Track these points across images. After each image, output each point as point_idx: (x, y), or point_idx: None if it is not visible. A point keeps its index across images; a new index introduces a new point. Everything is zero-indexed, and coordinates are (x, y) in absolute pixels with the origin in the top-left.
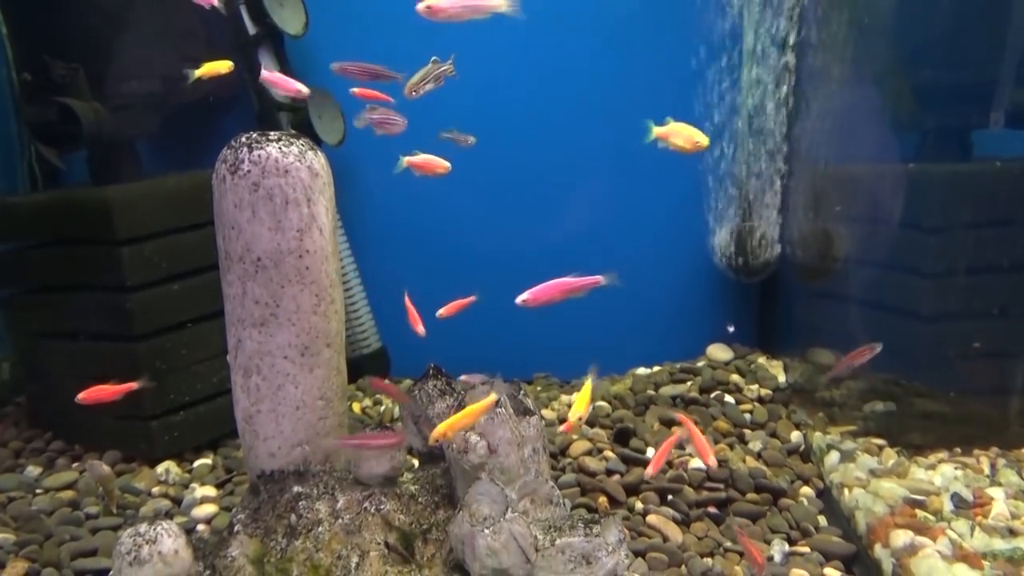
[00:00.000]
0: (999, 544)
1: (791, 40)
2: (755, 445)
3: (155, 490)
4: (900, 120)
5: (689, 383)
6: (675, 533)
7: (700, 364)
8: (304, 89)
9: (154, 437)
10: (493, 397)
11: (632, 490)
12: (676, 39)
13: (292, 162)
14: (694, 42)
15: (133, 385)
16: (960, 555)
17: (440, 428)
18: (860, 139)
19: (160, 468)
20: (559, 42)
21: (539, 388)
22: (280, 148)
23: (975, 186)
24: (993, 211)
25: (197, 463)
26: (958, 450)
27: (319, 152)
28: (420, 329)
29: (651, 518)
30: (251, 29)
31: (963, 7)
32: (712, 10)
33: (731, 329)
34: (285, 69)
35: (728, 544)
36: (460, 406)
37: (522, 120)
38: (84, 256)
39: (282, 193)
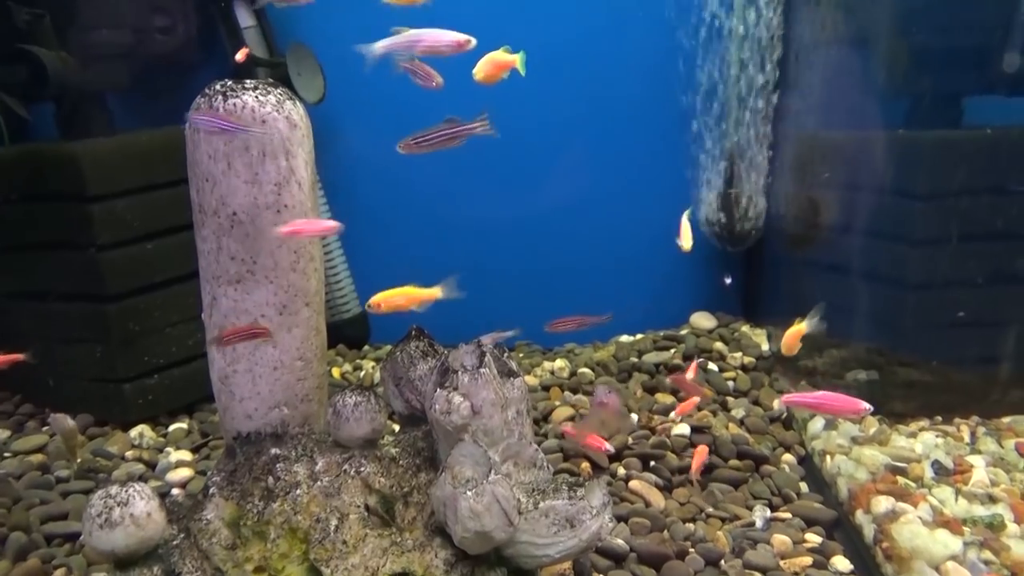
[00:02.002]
0: (979, 510)
1: (780, 5)
2: (738, 412)
3: (128, 454)
4: (889, 86)
5: (672, 351)
6: (657, 499)
7: (684, 332)
8: None
9: (127, 400)
10: (437, 291)
11: (614, 456)
12: (663, 7)
13: (269, 112)
14: (681, 9)
15: (18, 357)
16: (941, 521)
17: (377, 297)
18: (848, 105)
19: (134, 432)
20: (545, 11)
21: (521, 355)
22: (257, 97)
23: (964, 154)
24: (982, 179)
25: (172, 427)
26: (939, 418)
27: (298, 103)
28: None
29: (633, 484)
30: None
31: None
32: None
33: (728, 281)
34: (262, 23)
35: (710, 510)
36: (443, 367)
37: (507, 86)
38: (53, 213)
39: (259, 144)
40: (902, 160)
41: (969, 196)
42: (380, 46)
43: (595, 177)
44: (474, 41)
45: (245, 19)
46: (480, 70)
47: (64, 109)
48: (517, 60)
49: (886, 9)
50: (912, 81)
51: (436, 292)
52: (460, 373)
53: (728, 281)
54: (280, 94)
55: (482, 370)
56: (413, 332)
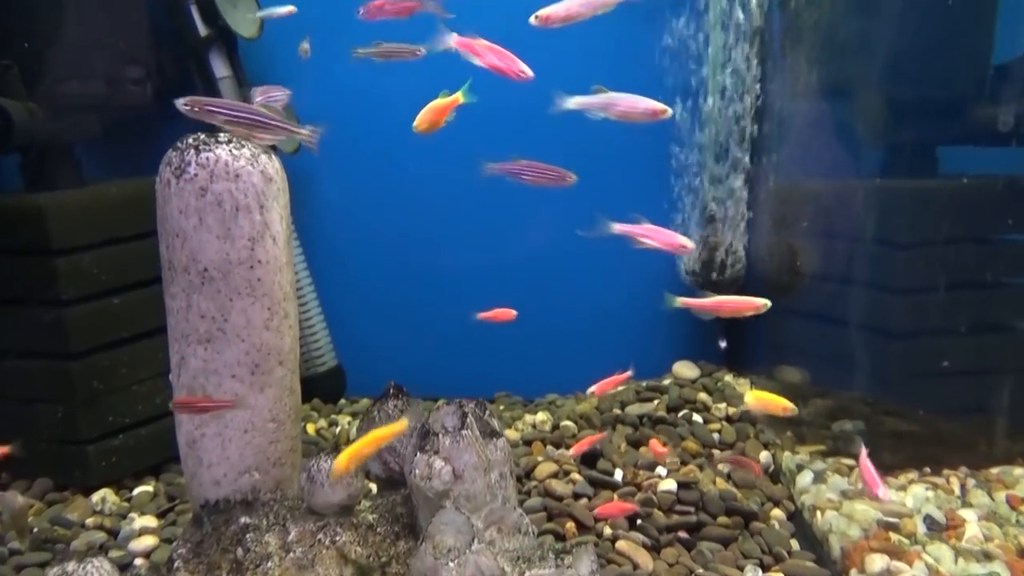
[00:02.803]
0: (975, 568)
1: (757, 55)
2: (724, 466)
3: (89, 521)
4: (867, 136)
5: (656, 401)
6: (645, 560)
7: (666, 382)
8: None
9: (90, 463)
10: (404, 423)
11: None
12: (643, 60)
13: (243, 166)
14: (662, 52)
15: (4, 450)
16: None
17: (342, 459)
18: (827, 155)
19: (96, 497)
20: (525, 53)
21: (502, 407)
22: (231, 151)
23: (942, 202)
24: (960, 228)
25: (137, 491)
26: (928, 470)
27: (273, 156)
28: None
29: (620, 544)
30: (202, 30)
31: (930, 24)
32: (678, 17)
33: (723, 344)
34: (238, 73)
35: (700, 571)
36: (423, 429)
37: (486, 131)
38: (15, 267)
39: (232, 199)
40: (879, 209)
41: (948, 245)
42: (575, 102)
43: (575, 226)
44: (670, 111)
45: (220, 69)
46: (422, 120)
47: (30, 160)
48: (460, 96)
49: (863, 60)
50: (889, 131)
51: (402, 425)
52: (441, 436)
53: (723, 345)
54: (255, 147)
55: (464, 432)
56: (391, 390)
